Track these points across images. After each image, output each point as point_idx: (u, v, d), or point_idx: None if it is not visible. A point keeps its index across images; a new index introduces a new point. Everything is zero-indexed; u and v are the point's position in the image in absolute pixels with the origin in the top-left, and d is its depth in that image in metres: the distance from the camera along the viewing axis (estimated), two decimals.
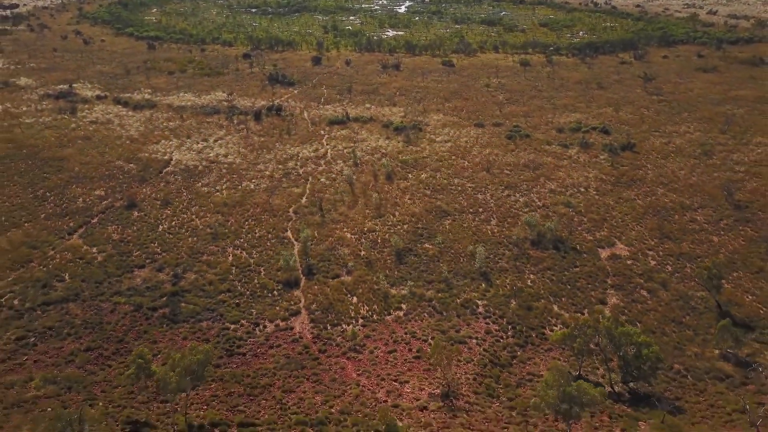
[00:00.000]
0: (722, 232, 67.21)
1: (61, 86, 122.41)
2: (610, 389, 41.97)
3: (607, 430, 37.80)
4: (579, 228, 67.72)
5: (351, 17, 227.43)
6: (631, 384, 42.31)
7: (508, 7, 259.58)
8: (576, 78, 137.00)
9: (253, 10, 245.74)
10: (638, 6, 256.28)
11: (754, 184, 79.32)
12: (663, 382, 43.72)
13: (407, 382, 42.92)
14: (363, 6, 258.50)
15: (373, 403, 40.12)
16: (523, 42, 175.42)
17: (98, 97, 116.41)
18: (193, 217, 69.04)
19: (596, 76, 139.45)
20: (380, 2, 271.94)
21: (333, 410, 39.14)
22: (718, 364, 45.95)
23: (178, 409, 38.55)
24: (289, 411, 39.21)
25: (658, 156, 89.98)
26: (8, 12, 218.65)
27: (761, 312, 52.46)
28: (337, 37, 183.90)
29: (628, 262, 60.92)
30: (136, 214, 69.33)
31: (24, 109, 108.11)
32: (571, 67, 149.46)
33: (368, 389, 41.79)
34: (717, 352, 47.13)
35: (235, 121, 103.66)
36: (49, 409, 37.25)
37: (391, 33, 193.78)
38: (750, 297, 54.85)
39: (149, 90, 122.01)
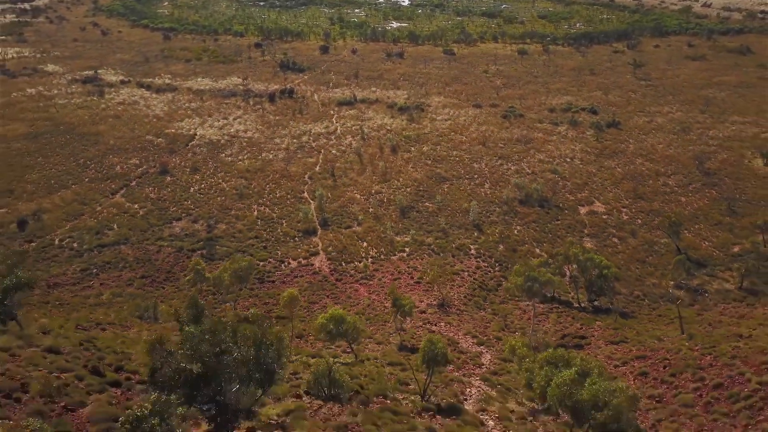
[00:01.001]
0: (690, 194, 75.72)
1: (87, 72, 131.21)
2: (577, 305, 50.66)
3: (569, 324, 46.51)
4: (563, 190, 76.28)
5: (356, 10, 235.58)
6: (596, 302, 50.94)
7: (508, 0, 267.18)
8: (570, 65, 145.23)
9: (261, 3, 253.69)
10: None
11: (725, 156, 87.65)
12: (623, 302, 52.33)
13: (410, 297, 51.75)
14: (368, 0, 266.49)
15: (382, 309, 48.95)
16: (522, 33, 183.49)
17: (122, 82, 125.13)
18: (220, 181, 77.83)
19: (589, 63, 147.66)
20: None
21: (350, 312, 47.99)
22: (671, 291, 54.54)
23: (229, 304, 47.48)
24: (313, 312, 48.13)
25: (640, 132, 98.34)
26: (27, 5, 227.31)
27: (714, 254, 61.04)
28: (343, 28, 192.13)
29: (604, 216, 69.53)
30: (168, 178, 78.12)
31: (55, 92, 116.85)
32: (567, 55, 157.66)
33: (378, 301, 50.60)
34: (672, 282, 55.69)
35: (251, 103, 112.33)
36: (124, 307, 46.13)
37: (395, 24, 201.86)
38: (706, 243, 63.41)
39: (169, 75, 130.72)
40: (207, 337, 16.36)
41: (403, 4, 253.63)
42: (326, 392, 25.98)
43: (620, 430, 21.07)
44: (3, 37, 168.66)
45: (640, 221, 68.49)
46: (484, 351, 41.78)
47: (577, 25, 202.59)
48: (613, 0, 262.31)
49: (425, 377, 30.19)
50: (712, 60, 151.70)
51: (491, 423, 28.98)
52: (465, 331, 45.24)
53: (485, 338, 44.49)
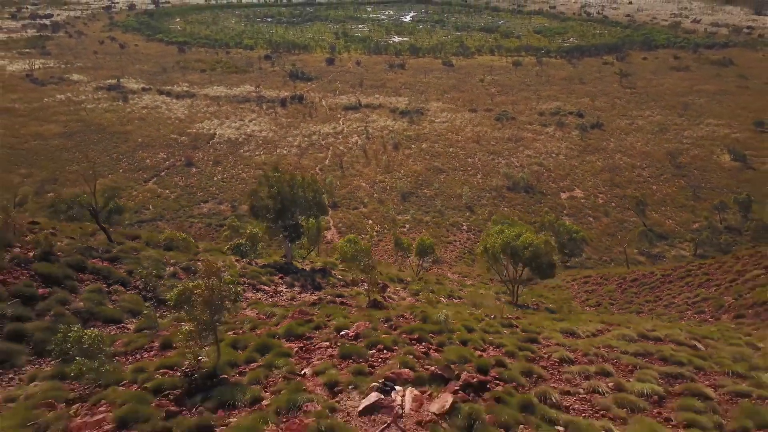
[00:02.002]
0: (661, 183, 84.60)
1: (110, 81, 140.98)
2: None
3: None
4: (547, 179, 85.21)
5: (360, 25, 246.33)
6: (567, 263, 59.62)
7: (506, 16, 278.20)
8: (561, 75, 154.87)
9: (269, 20, 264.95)
10: (628, 16, 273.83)
11: (696, 152, 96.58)
12: (592, 265, 60.99)
13: (409, 257, 60.50)
14: (371, 16, 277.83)
15: (387, 257, 57.82)
16: (517, 46, 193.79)
17: (143, 89, 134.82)
18: (240, 172, 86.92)
19: (580, 73, 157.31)
20: (387, 12, 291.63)
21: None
22: (635, 257, 63.19)
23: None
24: None
25: (622, 133, 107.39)
26: (46, 21, 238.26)
27: (676, 230, 69.79)
28: (347, 42, 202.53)
29: (582, 201, 78.38)
30: (194, 170, 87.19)
31: (83, 98, 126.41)
32: (559, 66, 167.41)
33: (382, 258, 59.36)
34: (636, 250, 64.33)
35: (264, 107, 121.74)
36: None
37: (397, 39, 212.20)
38: (670, 221, 72.19)
39: (186, 84, 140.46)
40: (285, 182, 25.39)
41: (404, 20, 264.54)
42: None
43: (539, 263, 30.04)
44: (27, 50, 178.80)
45: (614, 204, 77.33)
46: (466, 279, 50.49)
47: (571, 39, 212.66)
48: (605, 16, 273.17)
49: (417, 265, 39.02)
50: (696, 71, 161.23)
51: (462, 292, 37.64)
52: (453, 272, 54.05)
53: (469, 274, 53.21)
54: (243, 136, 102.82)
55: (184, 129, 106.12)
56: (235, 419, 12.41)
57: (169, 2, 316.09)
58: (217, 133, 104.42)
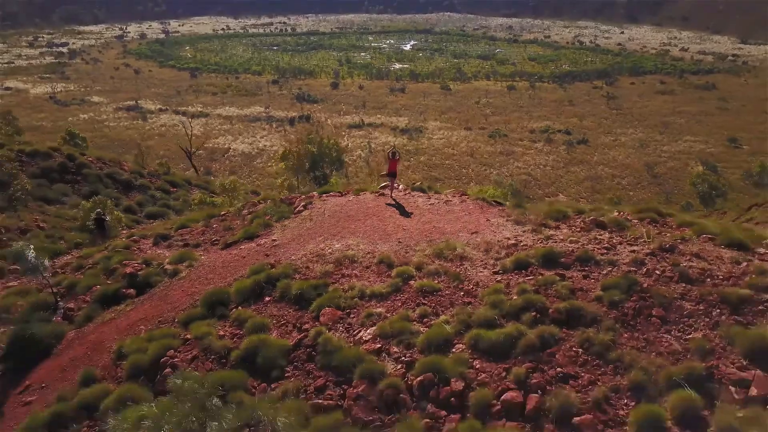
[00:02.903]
0: (638, 190, 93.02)
1: (128, 102, 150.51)
2: None
3: None
4: (533, 186, 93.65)
5: (362, 53, 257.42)
6: None
7: (502, 45, 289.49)
8: (552, 98, 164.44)
9: (275, 48, 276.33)
10: (619, 44, 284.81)
11: (672, 164, 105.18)
12: None
13: None
14: (373, 44, 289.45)
15: None
16: (512, 72, 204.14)
17: (160, 110, 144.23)
18: (254, 180, 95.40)
19: (570, 96, 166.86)
20: (388, 41, 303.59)
21: None
22: None
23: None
24: None
25: (605, 148, 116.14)
26: (63, 49, 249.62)
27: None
28: (350, 68, 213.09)
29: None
30: (212, 177, 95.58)
31: (105, 117, 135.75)
32: (550, 90, 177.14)
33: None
34: None
35: (274, 125, 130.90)
36: None
37: (397, 66, 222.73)
38: None
39: (200, 105, 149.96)
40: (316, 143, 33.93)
41: (405, 48, 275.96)
42: None
43: None
44: (48, 75, 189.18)
45: None
46: None
47: (563, 66, 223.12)
48: (598, 45, 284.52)
49: None
50: (680, 94, 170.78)
51: None
52: None
53: None
54: (256, 150, 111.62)
55: (201, 144, 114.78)
56: None
57: (178, 32, 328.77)
58: (232, 147, 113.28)
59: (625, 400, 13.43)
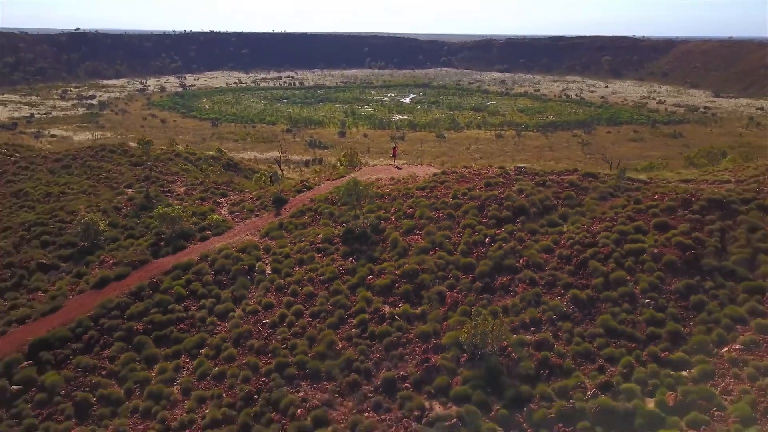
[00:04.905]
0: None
1: (163, 147, 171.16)
2: None
3: None
4: None
5: (365, 106, 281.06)
6: None
7: (494, 98, 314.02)
8: (535, 144, 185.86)
9: (285, 100, 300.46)
10: (602, 98, 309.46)
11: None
12: None
13: None
14: (375, 97, 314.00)
15: None
16: (501, 122, 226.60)
17: None
18: None
19: (551, 143, 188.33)
20: (389, 95, 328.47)
21: None
22: None
23: None
24: None
25: None
26: (92, 101, 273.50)
27: None
28: (355, 119, 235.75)
29: None
30: None
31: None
32: (534, 138, 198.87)
33: None
34: None
35: (292, 167, 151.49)
36: None
37: (398, 117, 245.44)
38: None
39: (226, 149, 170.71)
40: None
41: (404, 101, 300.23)
42: None
43: None
44: (85, 124, 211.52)
45: None
46: None
47: (549, 117, 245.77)
48: (583, 98, 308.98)
49: None
50: (649, 141, 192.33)
51: None
52: None
53: None
54: None
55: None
56: None
57: (194, 85, 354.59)
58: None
59: None
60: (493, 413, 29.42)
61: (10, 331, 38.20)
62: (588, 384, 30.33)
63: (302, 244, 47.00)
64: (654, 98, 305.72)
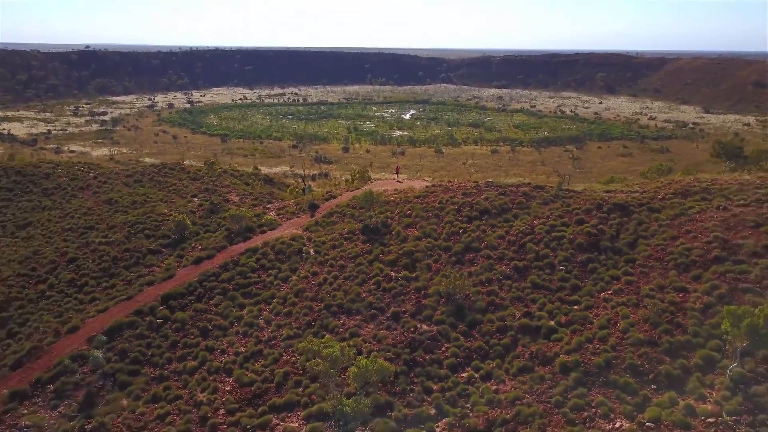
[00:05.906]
0: None
1: (176, 161, 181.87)
2: None
3: None
4: None
5: (367, 122, 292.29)
6: None
7: (491, 114, 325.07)
8: (528, 159, 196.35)
9: (290, 117, 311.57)
10: (596, 114, 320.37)
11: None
12: None
13: None
14: (376, 114, 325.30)
15: None
16: (497, 138, 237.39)
17: None
18: None
19: (543, 158, 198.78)
20: (390, 111, 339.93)
21: None
22: None
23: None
24: None
25: None
26: (105, 117, 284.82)
27: None
28: (358, 135, 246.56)
29: None
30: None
31: None
32: (528, 153, 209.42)
33: None
34: None
35: (300, 180, 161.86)
36: None
37: (398, 133, 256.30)
38: None
39: (236, 164, 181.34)
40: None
41: (404, 117, 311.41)
42: None
43: None
44: (100, 140, 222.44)
45: None
46: None
47: (544, 132, 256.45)
48: (577, 114, 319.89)
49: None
50: (636, 156, 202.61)
51: None
52: None
53: None
54: None
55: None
56: None
57: (201, 101, 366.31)
58: None
59: None
60: (458, 330, 47.80)
61: (145, 290, 56.98)
62: (517, 314, 48.19)
63: (333, 235, 65.02)
64: (646, 114, 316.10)
